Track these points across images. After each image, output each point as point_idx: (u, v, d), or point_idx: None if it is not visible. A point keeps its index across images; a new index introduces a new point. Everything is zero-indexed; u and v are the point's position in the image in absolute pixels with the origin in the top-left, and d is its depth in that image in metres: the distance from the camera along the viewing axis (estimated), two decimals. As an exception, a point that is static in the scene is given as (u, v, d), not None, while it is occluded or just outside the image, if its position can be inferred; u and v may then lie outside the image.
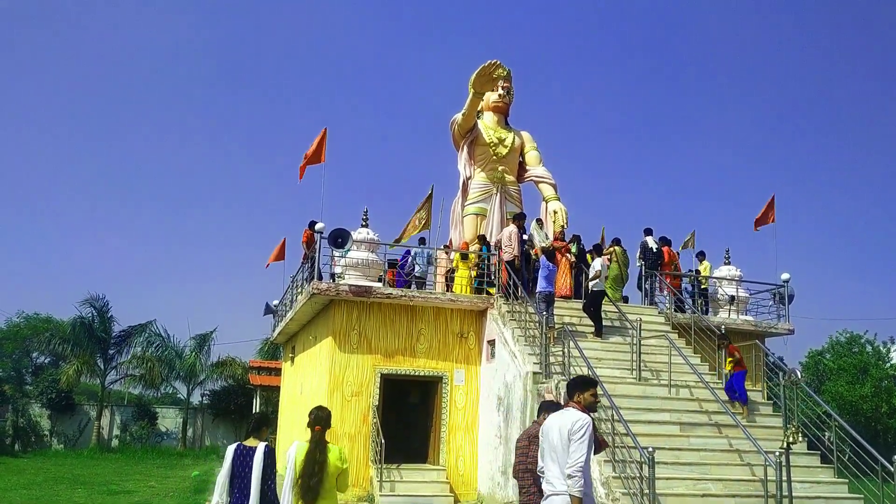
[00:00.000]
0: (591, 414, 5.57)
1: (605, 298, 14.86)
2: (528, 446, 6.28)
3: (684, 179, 48.93)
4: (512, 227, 15.70)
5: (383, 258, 16.07)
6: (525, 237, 16.16)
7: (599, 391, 10.35)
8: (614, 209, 48.03)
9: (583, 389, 5.60)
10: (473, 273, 15.84)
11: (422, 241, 18.53)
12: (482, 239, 16.83)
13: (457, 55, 52.19)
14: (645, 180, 49.59)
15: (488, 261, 15.39)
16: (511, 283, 14.57)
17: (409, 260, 16.90)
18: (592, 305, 14.23)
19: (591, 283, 14.38)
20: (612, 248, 16.74)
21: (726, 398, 12.34)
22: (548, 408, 6.22)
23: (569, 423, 5.21)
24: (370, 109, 54.10)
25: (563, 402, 5.98)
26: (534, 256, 15.99)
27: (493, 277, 15.23)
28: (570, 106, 51.06)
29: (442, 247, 17.99)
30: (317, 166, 17.08)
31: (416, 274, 16.76)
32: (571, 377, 6.52)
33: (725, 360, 12.94)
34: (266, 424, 6.33)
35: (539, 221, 17.56)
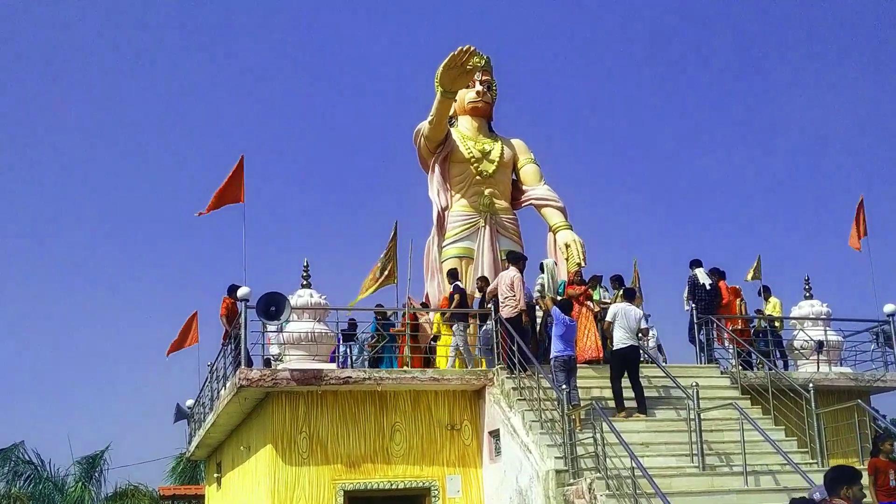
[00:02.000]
0: None
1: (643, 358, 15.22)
2: None
3: (733, 190, 49.29)
4: (511, 273, 15.88)
5: (336, 328, 16.28)
6: (539, 284, 16.60)
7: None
8: (643, 235, 48.23)
9: (850, 483, 6.30)
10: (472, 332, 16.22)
11: (379, 307, 18.66)
12: (483, 282, 17.03)
13: (420, 38, 52.76)
14: (679, 195, 49.93)
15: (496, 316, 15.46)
16: (516, 348, 14.62)
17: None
18: (624, 370, 14.33)
19: (613, 339, 14.61)
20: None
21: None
22: None
23: None
24: (303, 123, 54.15)
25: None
26: (540, 308, 16.35)
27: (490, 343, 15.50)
28: (572, 100, 51.62)
29: (409, 304, 18.02)
30: (233, 207, 17.41)
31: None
32: (830, 469, 6.77)
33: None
34: None
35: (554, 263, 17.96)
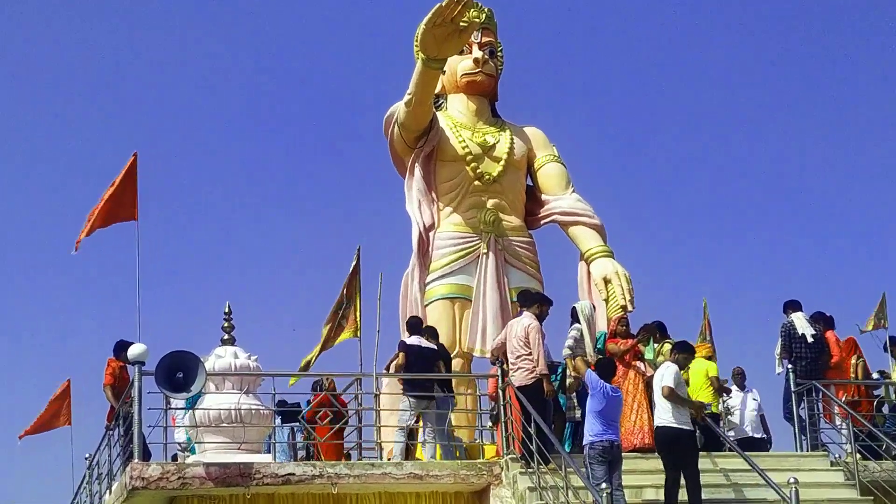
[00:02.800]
0: None
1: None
2: None
3: (841, 204, 48.79)
4: (525, 322, 15.84)
5: (273, 403, 16.34)
6: (570, 338, 16.62)
7: None
8: (716, 265, 47.71)
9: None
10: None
11: (317, 384, 18.72)
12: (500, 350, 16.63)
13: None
14: (765, 210, 49.44)
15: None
16: (533, 430, 14.58)
17: None
18: (682, 460, 14.35)
19: (657, 409, 14.75)
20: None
21: None
22: None
23: None
24: (220, 105, 53.10)
25: None
26: (571, 374, 16.46)
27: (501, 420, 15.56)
28: (609, 73, 51.13)
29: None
30: (122, 227, 17.74)
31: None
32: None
33: None
34: None
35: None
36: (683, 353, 15.48)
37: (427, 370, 16.36)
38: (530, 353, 15.45)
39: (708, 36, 50.62)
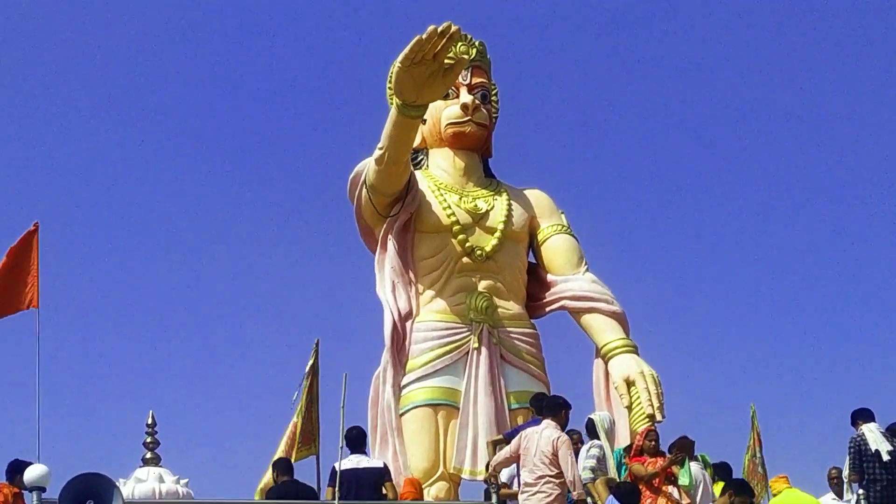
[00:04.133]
0: None
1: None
2: None
3: None
4: (554, 434, 14.50)
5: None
6: (592, 458, 15.42)
7: None
8: (765, 364, 45.35)
9: None
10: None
11: None
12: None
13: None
14: (825, 296, 47.68)
15: None
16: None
17: None
18: None
19: None
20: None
21: None
22: None
23: None
24: (143, 162, 50.51)
25: None
26: (591, 499, 15.31)
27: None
28: (632, 117, 48.63)
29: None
30: (17, 318, 16.48)
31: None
32: None
33: None
34: None
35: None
36: (742, 497, 14.05)
37: (368, 497, 15.23)
38: (559, 474, 14.24)
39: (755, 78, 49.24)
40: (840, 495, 17.58)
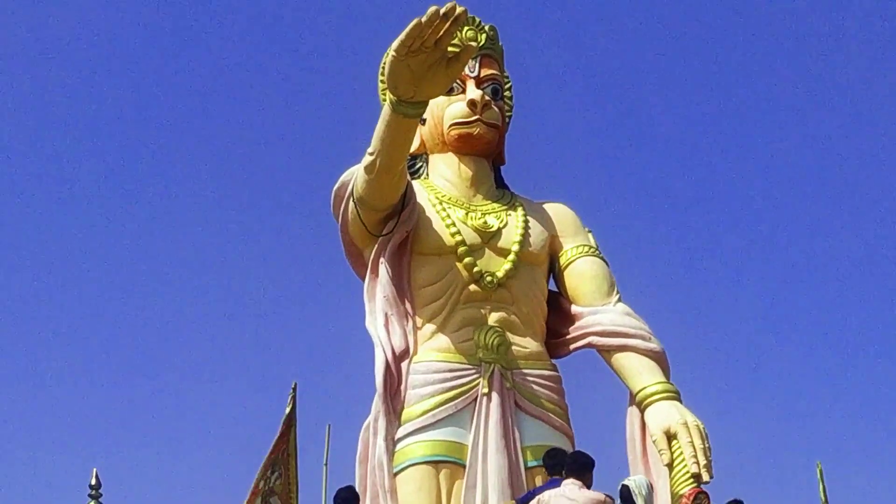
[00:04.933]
0: None
1: None
2: None
3: None
4: (587, 495, 13.79)
5: None
6: None
7: None
8: (830, 414, 42.93)
9: None
10: None
11: None
12: None
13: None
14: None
15: None
16: None
17: None
18: None
19: None
20: None
21: None
22: None
23: None
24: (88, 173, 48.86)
25: None
26: None
27: None
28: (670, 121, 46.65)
29: None
30: None
31: None
32: None
33: None
34: None
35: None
36: None
37: None
38: None
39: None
40: None
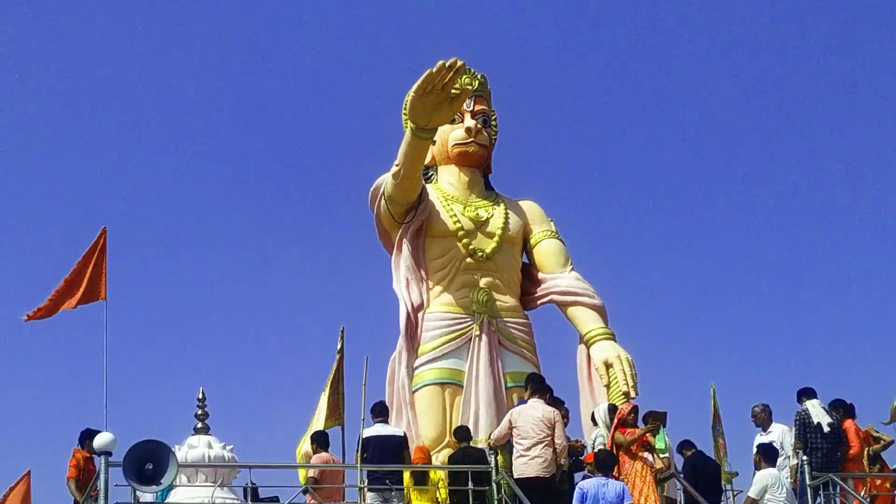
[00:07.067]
0: None
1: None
2: None
3: (859, 284, 48.34)
4: (550, 411, 15.79)
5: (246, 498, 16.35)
6: (598, 445, 16.49)
7: None
8: (725, 351, 46.81)
9: None
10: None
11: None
12: (462, 434, 16.87)
13: (381, 51, 52.12)
14: (777, 291, 48.89)
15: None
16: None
17: None
18: None
19: None
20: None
21: None
22: None
23: None
24: (195, 177, 52.07)
25: None
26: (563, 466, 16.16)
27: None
28: (604, 142, 50.44)
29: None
30: (90, 308, 17.71)
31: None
32: None
33: None
34: None
35: (612, 408, 17.53)
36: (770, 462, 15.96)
37: (386, 460, 16.11)
38: (550, 441, 15.53)
39: (719, 99, 50.61)
40: (765, 429, 17.83)
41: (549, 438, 15.55)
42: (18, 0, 51.62)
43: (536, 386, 16.48)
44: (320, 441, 17.03)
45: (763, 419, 17.80)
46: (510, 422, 15.83)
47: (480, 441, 17.56)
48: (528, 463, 15.34)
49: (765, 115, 49.32)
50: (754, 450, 16.95)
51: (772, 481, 15.14)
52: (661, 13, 48.70)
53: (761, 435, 17.57)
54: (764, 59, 49.12)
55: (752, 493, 15.18)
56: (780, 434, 17.19)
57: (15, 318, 18.58)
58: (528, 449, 15.42)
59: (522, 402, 16.36)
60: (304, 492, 16.25)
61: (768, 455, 16.23)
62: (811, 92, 48.83)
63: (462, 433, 17.04)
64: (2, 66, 50.06)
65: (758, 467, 16.21)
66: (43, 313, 17.82)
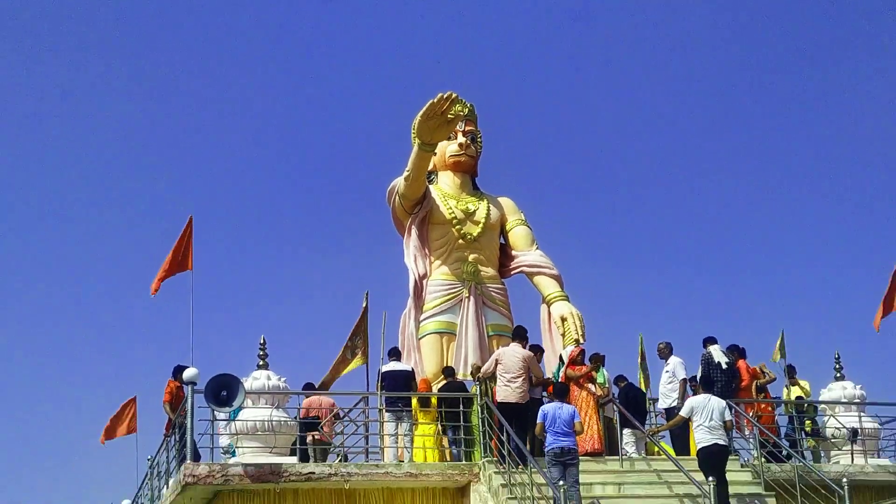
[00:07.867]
0: None
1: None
2: None
3: (752, 257, 48.38)
4: (522, 351, 16.21)
5: (295, 417, 16.36)
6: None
7: None
8: (650, 308, 47.42)
9: None
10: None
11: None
12: (447, 372, 17.51)
13: (397, 85, 52.81)
14: (691, 263, 49.20)
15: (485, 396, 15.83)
16: (506, 438, 14.72)
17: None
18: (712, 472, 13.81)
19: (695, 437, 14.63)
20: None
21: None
22: None
23: None
24: (258, 179, 53.29)
25: None
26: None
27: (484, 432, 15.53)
28: (566, 153, 51.30)
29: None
30: (181, 276, 17.97)
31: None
32: None
33: None
34: None
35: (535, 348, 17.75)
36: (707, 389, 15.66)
37: (398, 389, 16.58)
38: (528, 375, 15.88)
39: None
40: (666, 360, 17.58)
41: (525, 373, 15.83)
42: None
43: (519, 334, 17.09)
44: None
45: (665, 353, 17.78)
46: (496, 359, 16.15)
47: (467, 376, 17.84)
48: (510, 391, 15.69)
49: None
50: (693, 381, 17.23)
51: (698, 404, 14.58)
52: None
53: (666, 365, 17.64)
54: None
55: (683, 412, 14.87)
56: (674, 364, 17.33)
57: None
58: (510, 381, 15.77)
59: (506, 346, 16.84)
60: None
61: (705, 383, 16.19)
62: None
63: (447, 371, 17.54)
64: (110, 72, 52.08)
65: (696, 392, 16.04)
66: (157, 284, 18.09)
